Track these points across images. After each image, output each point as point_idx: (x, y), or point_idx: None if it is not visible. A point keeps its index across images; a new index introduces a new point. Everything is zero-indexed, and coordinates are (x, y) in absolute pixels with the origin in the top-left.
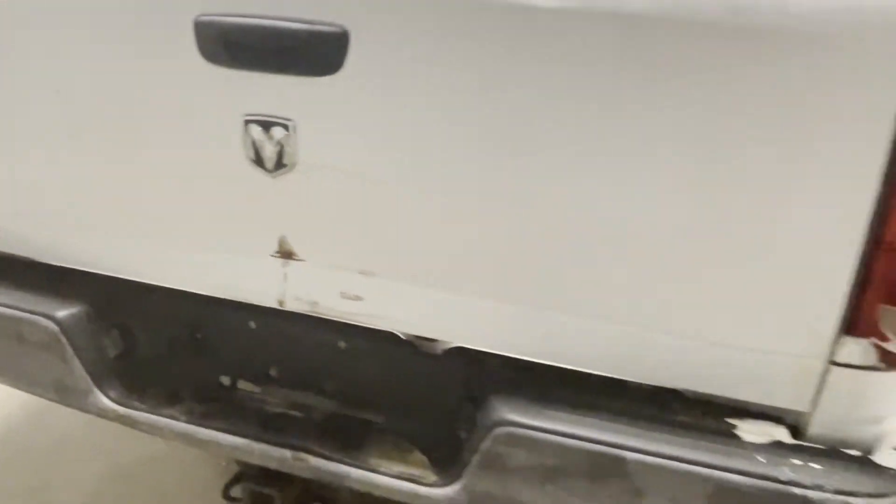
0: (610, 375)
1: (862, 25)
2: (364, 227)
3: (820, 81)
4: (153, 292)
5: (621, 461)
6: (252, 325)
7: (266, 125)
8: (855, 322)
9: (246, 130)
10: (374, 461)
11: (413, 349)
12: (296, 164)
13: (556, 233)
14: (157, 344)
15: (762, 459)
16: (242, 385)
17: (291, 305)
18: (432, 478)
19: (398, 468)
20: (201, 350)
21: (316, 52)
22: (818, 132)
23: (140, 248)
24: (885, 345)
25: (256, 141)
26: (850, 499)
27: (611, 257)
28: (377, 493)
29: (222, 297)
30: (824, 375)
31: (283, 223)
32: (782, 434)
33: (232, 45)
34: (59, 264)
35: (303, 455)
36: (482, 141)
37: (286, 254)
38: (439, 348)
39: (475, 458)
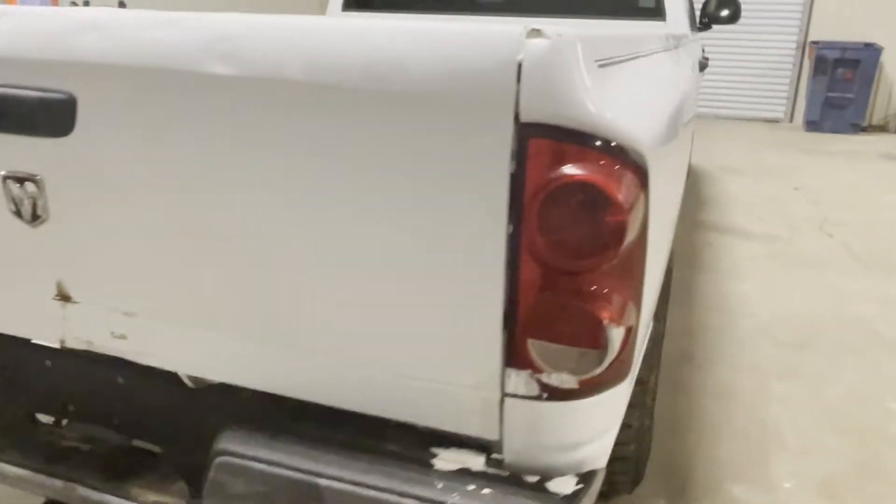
0: (327, 405)
1: (470, 89)
2: (120, 272)
3: (439, 138)
4: None
5: (315, 487)
6: (48, 363)
7: (20, 180)
8: (512, 355)
9: (5, 185)
10: (135, 491)
11: (179, 384)
12: (49, 216)
13: (260, 274)
14: None
15: (439, 485)
16: (44, 419)
17: (71, 344)
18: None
19: (154, 497)
20: (8, 386)
21: (49, 116)
22: (445, 183)
23: None
24: (540, 377)
25: (15, 195)
26: None
27: (299, 294)
28: None
29: (18, 335)
30: (501, 406)
31: (56, 269)
32: (476, 462)
33: None
34: None
35: (72, 485)
36: (193, 192)
37: (64, 297)
38: (203, 383)
39: (205, 488)
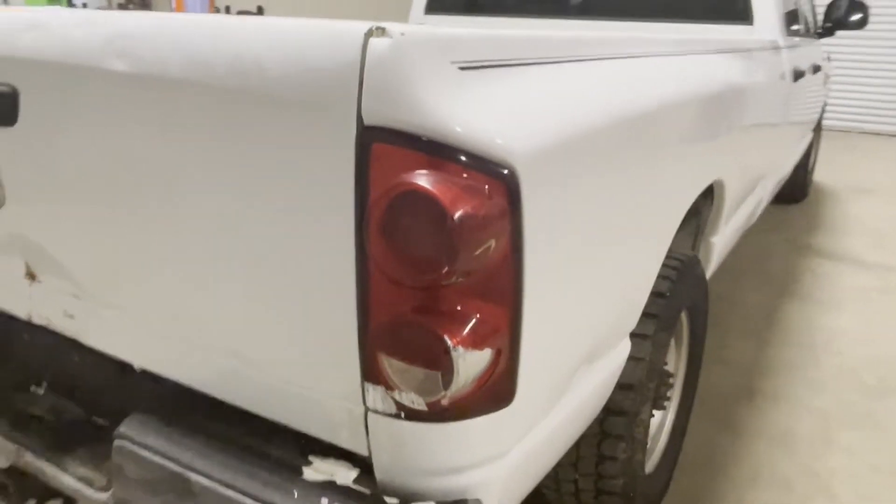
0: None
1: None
2: (68, 256)
3: (294, 138)
4: None
5: (187, 481)
6: (25, 336)
7: None
8: (368, 369)
9: None
10: (70, 463)
11: (122, 365)
12: (5, 200)
13: (153, 261)
14: None
15: (294, 495)
16: (23, 389)
17: (36, 320)
18: (102, 483)
19: (84, 472)
20: None
21: None
22: (302, 185)
23: None
24: (393, 394)
25: None
26: None
27: (178, 286)
28: (65, 491)
29: (2, 309)
30: (366, 420)
31: (22, 249)
32: (345, 476)
33: None
34: None
35: (23, 451)
36: (109, 183)
37: (31, 275)
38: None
39: (111, 469)
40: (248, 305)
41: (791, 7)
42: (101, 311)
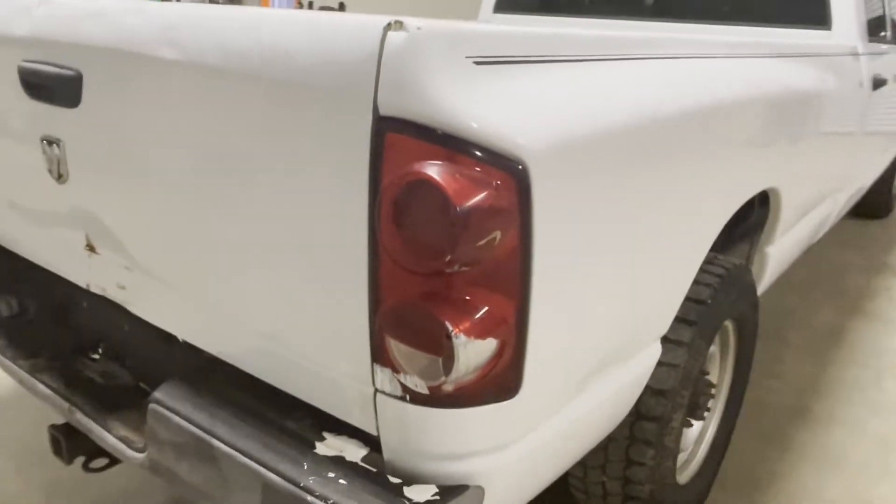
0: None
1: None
2: (121, 230)
3: (316, 127)
4: (38, 271)
5: (210, 447)
6: (84, 304)
7: (50, 143)
8: (377, 351)
9: (42, 147)
10: (114, 423)
11: (162, 335)
12: (69, 176)
13: (187, 238)
14: (38, 312)
15: (304, 466)
16: (81, 353)
17: (94, 289)
18: (140, 444)
19: (123, 433)
20: (60, 320)
21: (63, 89)
22: (323, 171)
23: (23, 234)
24: (399, 377)
25: (48, 156)
26: None
27: (209, 262)
28: (108, 449)
29: (67, 279)
30: (375, 401)
31: (84, 222)
32: (355, 454)
33: (24, 82)
34: None
35: (75, 410)
36: (156, 165)
37: (91, 247)
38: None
39: (146, 431)
40: (273, 286)
41: (878, 13)
42: (149, 284)
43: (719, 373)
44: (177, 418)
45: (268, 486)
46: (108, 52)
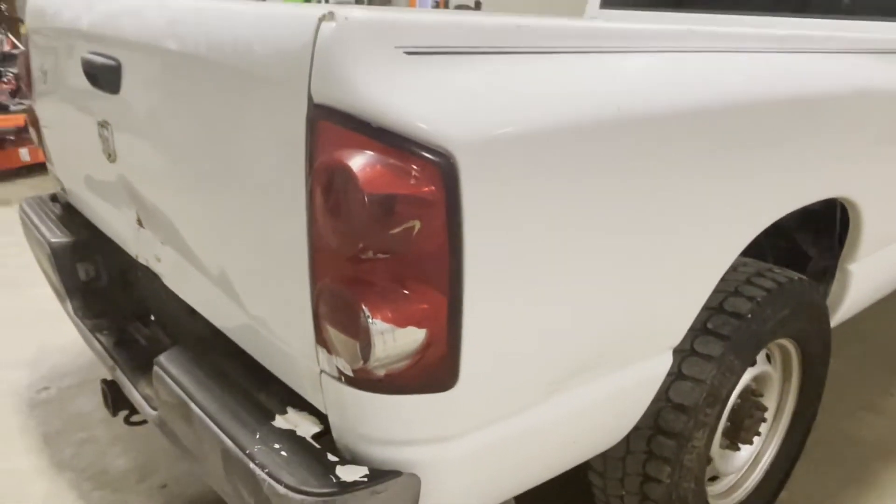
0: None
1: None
2: (154, 206)
3: (267, 112)
4: (109, 242)
5: (189, 409)
6: (139, 274)
7: (102, 126)
8: (317, 331)
9: (99, 130)
10: (141, 382)
11: (187, 305)
12: (117, 157)
13: (187, 212)
14: (109, 278)
15: (257, 436)
16: (133, 318)
17: (140, 261)
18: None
19: (148, 391)
20: (123, 287)
21: (107, 77)
22: (274, 156)
23: (96, 207)
24: (331, 358)
25: (103, 138)
26: (276, 484)
27: (205, 247)
28: (135, 404)
29: (126, 250)
30: (321, 379)
31: (132, 200)
32: (307, 430)
33: (85, 71)
34: (81, 210)
35: (115, 367)
36: (172, 148)
37: (139, 222)
38: None
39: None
40: (243, 266)
41: None
42: (173, 258)
43: (780, 396)
44: (169, 380)
45: (224, 450)
46: (137, 43)
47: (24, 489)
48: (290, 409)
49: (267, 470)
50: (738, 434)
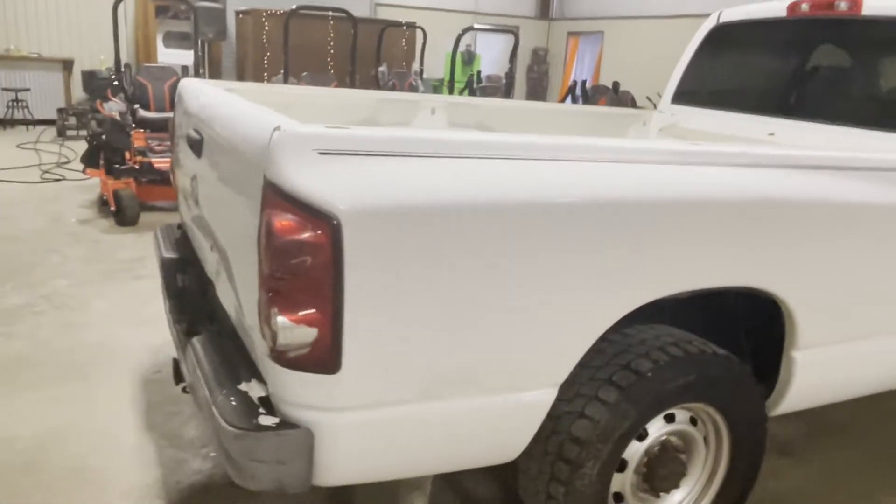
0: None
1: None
2: (214, 236)
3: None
4: (198, 260)
5: (196, 374)
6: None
7: (191, 179)
8: (260, 324)
9: (191, 182)
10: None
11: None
12: (199, 202)
13: (217, 247)
14: (197, 287)
15: (223, 391)
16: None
17: (210, 276)
18: None
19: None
20: (203, 295)
21: (195, 146)
22: (245, 205)
23: (194, 236)
24: (265, 342)
25: (192, 187)
26: (221, 420)
27: (223, 264)
28: (184, 375)
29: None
30: (264, 358)
31: (208, 231)
32: (257, 391)
33: (186, 139)
34: (189, 237)
35: (180, 350)
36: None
37: (212, 248)
38: None
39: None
40: (241, 277)
41: None
42: (218, 272)
43: (709, 460)
44: (192, 356)
45: (203, 397)
46: (205, 123)
47: (119, 439)
48: (253, 380)
49: (219, 411)
50: (652, 481)
